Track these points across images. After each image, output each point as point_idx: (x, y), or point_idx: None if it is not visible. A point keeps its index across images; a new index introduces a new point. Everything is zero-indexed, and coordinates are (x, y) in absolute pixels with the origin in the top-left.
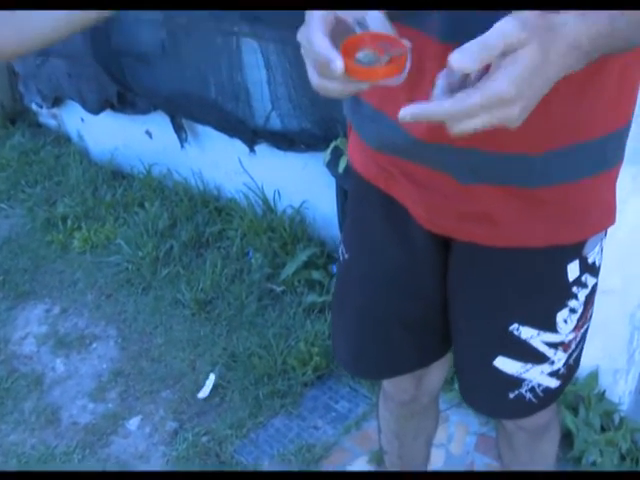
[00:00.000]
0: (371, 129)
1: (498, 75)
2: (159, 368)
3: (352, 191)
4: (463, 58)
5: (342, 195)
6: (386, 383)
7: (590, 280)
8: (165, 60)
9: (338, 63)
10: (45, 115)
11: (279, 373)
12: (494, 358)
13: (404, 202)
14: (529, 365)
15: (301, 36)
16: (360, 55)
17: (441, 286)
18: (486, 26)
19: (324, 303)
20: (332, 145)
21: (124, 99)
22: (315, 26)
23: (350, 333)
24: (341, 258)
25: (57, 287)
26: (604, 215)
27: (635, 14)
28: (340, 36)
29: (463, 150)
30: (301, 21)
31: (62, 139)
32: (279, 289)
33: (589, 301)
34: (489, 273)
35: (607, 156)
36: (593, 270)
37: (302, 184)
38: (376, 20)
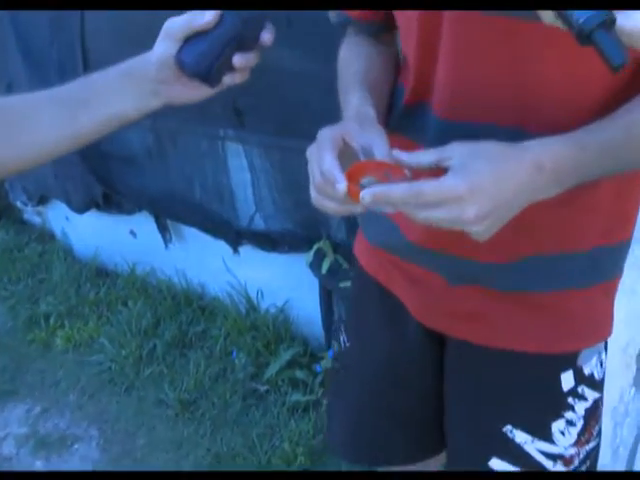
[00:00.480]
0: (372, 227)
1: (451, 174)
2: (141, 469)
3: (354, 281)
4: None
5: (325, 295)
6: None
7: (589, 393)
8: (151, 162)
9: (341, 186)
10: (30, 212)
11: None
12: (489, 459)
13: (400, 296)
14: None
15: (310, 153)
16: (364, 181)
17: (436, 382)
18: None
19: (308, 402)
20: (315, 247)
21: (110, 200)
22: (326, 147)
23: (343, 419)
24: (342, 346)
25: (38, 387)
26: (598, 327)
27: (609, 143)
28: (346, 158)
29: (452, 256)
30: (284, 128)
31: (46, 236)
32: (263, 388)
33: (592, 416)
34: (482, 372)
35: (600, 269)
36: (592, 383)
37: (285, 284)
38: (381, 149)
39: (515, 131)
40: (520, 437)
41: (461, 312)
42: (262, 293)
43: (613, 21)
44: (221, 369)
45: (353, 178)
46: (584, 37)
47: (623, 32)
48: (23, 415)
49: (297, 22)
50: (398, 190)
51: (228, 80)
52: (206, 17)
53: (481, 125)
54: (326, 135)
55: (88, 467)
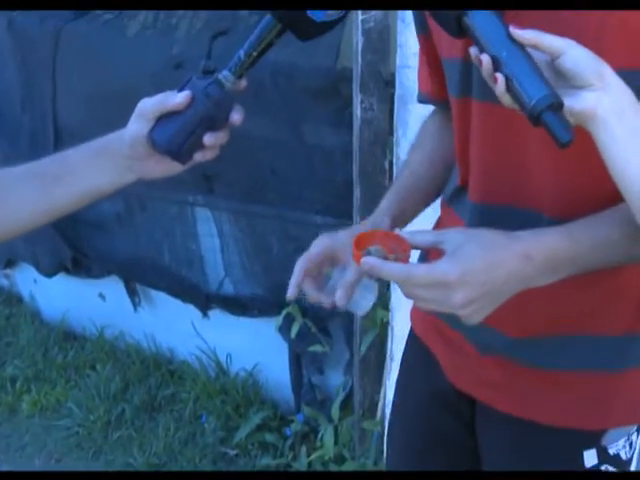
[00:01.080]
0: None
1: (444, 259)
2: None
3: (407, 340)
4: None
5: (295, 358)
6: None
7: (614, 471)
8: (121, 227)
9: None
10: None
11: None
12: None
13: (437, 356)
14: None
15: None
16: (371, 248)
17: (470, 442)
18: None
19: (278, 466)
20: (284, 311)
21: (79, 263)
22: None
23: (389, 462)
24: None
25: (3, 451)
26: (630, 410)
27: (603, 238)
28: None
29: (481, 325)
30: (253, 194)
31: (13, 299)
32: (233, 452)
33: None
34: (505, 438)
35: (634, 353)
36: (618, 463)
37: (255, 347)
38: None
39: (533, 215)
40: None
41: (488, 380)
42: (231, 357)
43: (560, 104)
44: (190, 433)
45: (362, 243)
46: (534, 117)
47: (572, 112)
48: None
49: (265, 91)
50: (392, 268)
51: (199, 157)
52: (178, 98)
53: (502, 207)
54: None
55: None
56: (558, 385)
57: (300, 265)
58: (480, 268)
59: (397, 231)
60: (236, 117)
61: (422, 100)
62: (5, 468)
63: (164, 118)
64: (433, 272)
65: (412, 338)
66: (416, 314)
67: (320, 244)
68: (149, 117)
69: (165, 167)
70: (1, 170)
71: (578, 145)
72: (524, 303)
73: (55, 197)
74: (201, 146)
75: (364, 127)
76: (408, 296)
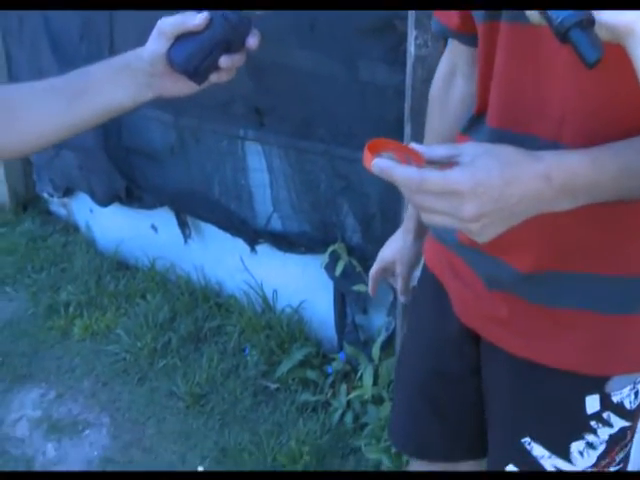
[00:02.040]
0: None
1: (459, 168)
2: (149, 458)
3: (420, 274)
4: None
5: (339, 298)
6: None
7: (616, 420)
8: (173, 159)
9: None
10: (55, 204)
11: (269, 470)
12: (506, 465)
13: (448, 290)
14: None
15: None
16: (384, 154)
17: (474, 379)
18: None
19: (317, 402)
20: (330, 249)
21: (132, 194)
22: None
23: (396, 406)
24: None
25: (54, 372)
26: (636, 357)
27: (628, 165)
28: None
29: (490, 258)
30: (304, 130)
31: (70, 228)
32: (273, 386)
33: (616, 442)
34: (510, 379)
35: None
36: (621, 411)
37: (301, 285)
38: None
39: (551, 143)
40: (537, 451)
41: (494, 317)
42: (277, 293)
43: (591, 21)
44: (233, 365)
45: (375, 148)
46: (561, 35)
47: (608, 27)
48: (38, 399)
49: (320, 25)
50: (403, 171)
51: (214, 79)
52: (197, 19)
53: (521, 135)
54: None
55: (97, 453)
56: (564, 325)
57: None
58: (495, 182)
59: (412, 144)
60: (252, 41)
61: (443, 32)
62: (55, 389)
63: (182, 38)
64: (446, 179)
65: (424, 273)
66: (430, 247)
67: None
68: (168, 36)
69: (182, 86)
70: (23, 85)
71: (604, 69)
72: (536, 235)
73: (77, 111)
74: (217, 68)
75: (417, 64)
76: (417, 205)
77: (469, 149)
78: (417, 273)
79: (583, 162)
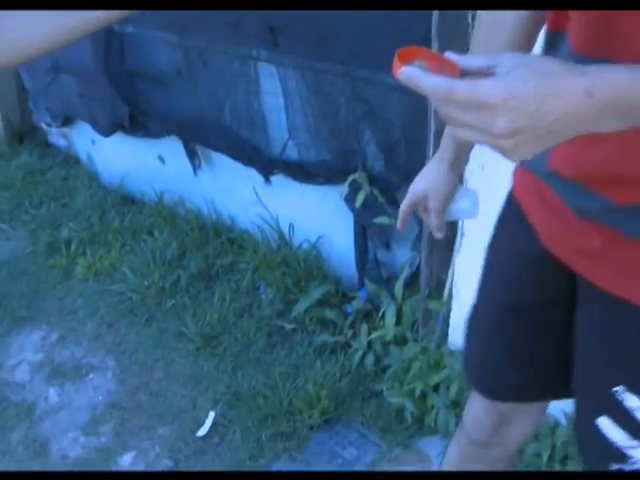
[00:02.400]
0: None
1: (492, 78)
2: (157, 403)
3: (503, 205)
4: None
5: (359, 231)
6: (465, 415)
7: None
8: (180, 83)
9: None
10: (54, 134)
11: (284, 414)
12: (597, 416)
13: (534, 221)
14: (636, 442)
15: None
16: (415, 62)
17: (560, 314)
18: None
19: (336, 344)
20: (350, 178)
21: (136, 122)
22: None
23: (470, 342)
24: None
25: (56, 314)
26: None
27: None
28: None
29: (582, 187)
30: (321, 49)
31: (71, 160)
32: (289, 327)
33: None
34: (600, 320)
35: None
36: None
37: (319, 218)
38: None
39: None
40: (631, 401)
41: (585, 249)
42: (294, 227)
43: None
44: (247, 304)
45: (405, 57)
46: None
47: None
48: (39, 342)
49: None
50: (431, 80)
51: None
52: None
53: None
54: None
55: (102, 397)
56: None
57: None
58: (531, 95)
59: (447, 53)
60: None
61: None
62: (57, 332)
63: None
64: (476, 89)
65: (510, 200)
66: (518, 176)
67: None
68: None
69: None
70: None
71: None
72: (623, 161)
73: (66, 21)
74: None
75: None
76: (446, 117)
77: (507, 59)
78: (452, 206)
79: (630, 76)
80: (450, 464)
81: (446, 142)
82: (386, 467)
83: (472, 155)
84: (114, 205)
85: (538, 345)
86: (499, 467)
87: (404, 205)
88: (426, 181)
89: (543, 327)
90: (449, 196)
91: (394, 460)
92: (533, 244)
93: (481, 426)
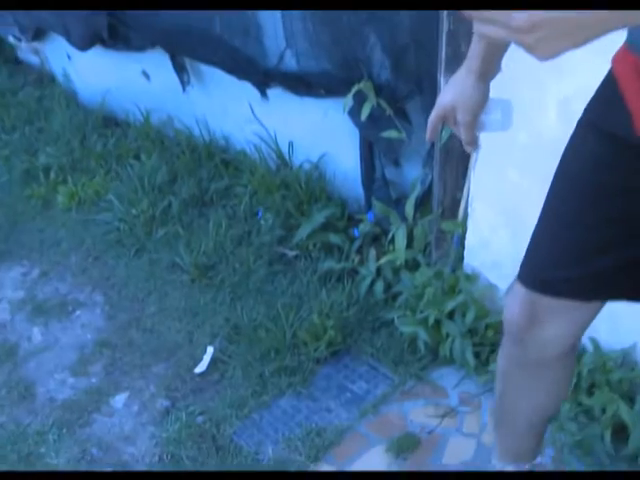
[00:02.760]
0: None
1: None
2: (151, 339)
3: (601, 82)
4: None
5: (365, 147)
6: (505, 309)
7: None
8: None
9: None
10: (25, 50)
11: (288, 348)
12: None
13: (632, 107)
14: None
15: None
16: None
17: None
18: None
19: (342, 270)
20: (354, 89)
21: (116, 33)
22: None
23: (545, 216)
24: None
25: (36, 248)
26: None
27: None
28: None
29: None
30: None
31: (45, 79)
32: (292, 254)
33: None
34: None
35: None
36: None
37: (321, 135)
38: None
39: None
40: None
41: None
42: (294, 146)
43: None
44: (245, 231)
45: None
46: None
47: None
48: (19, 278)
49: None
50: None
51: None
52: None
53: None
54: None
55: (91, 336)
56: None
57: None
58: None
59: None
60: None
61: None
62: (39, 267)
63: None
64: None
65: (608, 81)
66: (620, 53)
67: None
68: None
69: None
70: None
71: None
72: None
73: None
74: None
75: None
76: (466, 12)
77: None
78: (484, 118)
79: None
80: (499, 369)
81: (474, 50)
82: (398, 401)
83: None
84: (96, 127)
85: (618, 232)
86: (546, 375)
87: (432, 117)
88: (454, 92)
89: (627, 213)
90: (479, 107)
91: (407, 393)
92: (627, 129)
93: (514, 320)
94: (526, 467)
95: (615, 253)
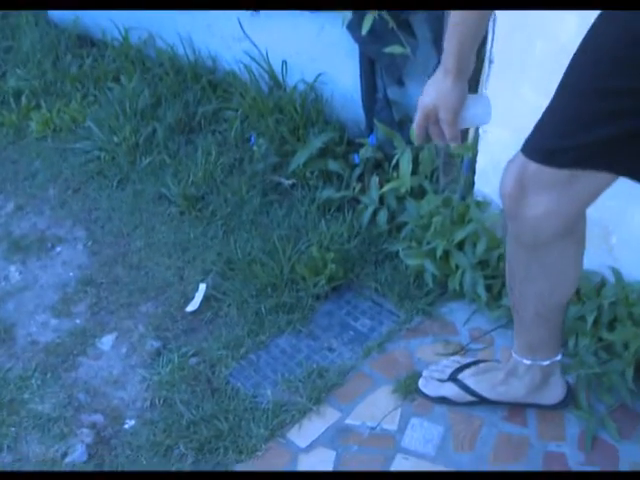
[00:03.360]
0: None
1: None
2: (138, 277)
3: None
4: None
5: (366, 65)
6: (500, 184)
7: None
8: None
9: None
10: None
11: (286, 283)
12: None
13: None
14: None
15: None
16: None
17: None
18: None
19: (343, 200)
20: None
21: None
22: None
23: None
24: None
25: (10, 179)
26: None
27: None
28: None
29: None
30: None
31: None
32: (288, 182)
33: None
34: None
35: None
36: None
37: (317, 53)
38: None
39: None
40: None
41: None
42: (288, 65)
43: None
44: (236, 159)
45: None
46: None
47: None
48: None
49: None
50: None
51: None
52: None
53: None
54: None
55: (73, 274)
56: None
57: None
58: None
59: None
60: None
61: None
62: (14, 201)
63: None
64: None
65: None
66: None
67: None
68: None
69: None
70: None
71: None
72: None
73: None
74: None
75: None
76: None
77: None
78: (465, 114)
79: None
80: (506, 254)
81: (448, 47)
82: (404, 338)
83: None
84: (69, 47)
85: (629, 103)
86: (543, 258)
87: (416, 122)
88: (434, 93)
89: None
90: (459, 105)
91: (413, 330)
92: None
93: (507, 193)
94: (545, 363)
95: (623, 122)
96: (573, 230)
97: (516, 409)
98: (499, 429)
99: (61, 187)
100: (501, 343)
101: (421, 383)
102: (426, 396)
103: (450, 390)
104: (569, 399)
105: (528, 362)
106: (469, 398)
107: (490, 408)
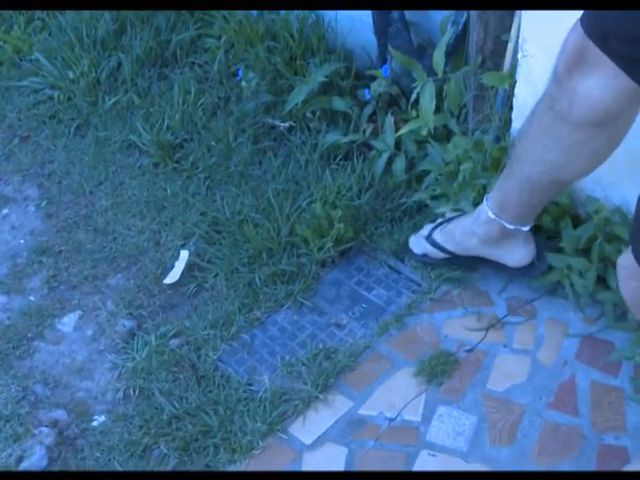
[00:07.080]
0: None
1: None
2: (105, 243)
3: None
4: None
5: None
6: (562, 44)
7: None
8: None
9: None
10: None
11: (284, 248)
12: None
13: None
14: None
15: None
16: None
17: None
18: None
19: (351, 145)
20: None
21: None
22: None
23: None
24: None
25: None
26: None
27: None
28: None
29: None
30: None
31: None
32: (284, 125)
33: None
34: None
35: None
36: None
37: None
38: None
39: None
40: None
41: None
42: None
43: None
44: (221, 97)
45: None
46: None
47: None
48: None
49: None
50: None
51: None
52: None
53: None
54: None
55: (25, 241)
56: None
57: None
58: None
59: None
60: None
61: None
62: None
63: None
64: None
65: None
66: None
67: None
68: None
69: None
70: None
71: None
72: None
73: None
74: None
75: None
76: None
77: None
78: None
79: None
80: (533, 109)
81: None
82: (428, 311)
83: None
84: None
85: None
86: (567, 133)
87: None
88: None
89: None
90: None
91: (439, 301)
92: None
93: (564, 55)
94: (509, 226)
95: None
96: (610, 125)
97: (564, 394)
98: (544, 418)
99: (6, 135)
100: (546, 314)
101: (411, 241)
102: (414, 255)
103: (428, 247)
104: (537, 269)
105: (492, 216)
106: (441, 255)
107: (533, 393)
